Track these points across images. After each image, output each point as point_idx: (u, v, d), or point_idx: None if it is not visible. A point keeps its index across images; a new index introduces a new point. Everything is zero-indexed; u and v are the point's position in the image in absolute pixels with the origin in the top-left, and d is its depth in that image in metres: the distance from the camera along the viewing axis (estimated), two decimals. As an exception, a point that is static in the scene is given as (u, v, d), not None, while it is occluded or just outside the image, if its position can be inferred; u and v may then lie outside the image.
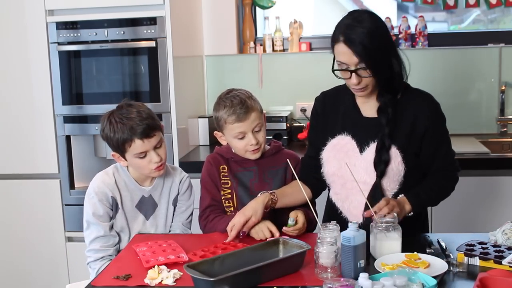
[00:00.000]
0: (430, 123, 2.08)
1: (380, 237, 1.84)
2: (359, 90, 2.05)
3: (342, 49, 1.99)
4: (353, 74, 2.00)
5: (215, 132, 2.26)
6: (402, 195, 2.05)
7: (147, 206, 2.27)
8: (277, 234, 2.05)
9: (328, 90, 2.26)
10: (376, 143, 2.07)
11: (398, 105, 2.08)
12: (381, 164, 2.06)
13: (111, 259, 2.13)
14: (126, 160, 2.20)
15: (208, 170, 2.27)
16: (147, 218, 2.28)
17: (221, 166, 2.26)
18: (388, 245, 1.83)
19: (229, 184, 2.24)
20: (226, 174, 2.25)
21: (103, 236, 2.20)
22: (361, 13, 2.05)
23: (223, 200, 2.25)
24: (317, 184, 2.23)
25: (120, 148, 2.17)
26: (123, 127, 2.14)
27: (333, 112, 2.19)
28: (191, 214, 2.35)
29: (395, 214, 1.88)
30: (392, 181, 2.08)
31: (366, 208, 1.93)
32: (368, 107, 2.13)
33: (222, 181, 2.25)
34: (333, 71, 2.05)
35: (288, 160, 2.11)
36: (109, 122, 2.17)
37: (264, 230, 2.07)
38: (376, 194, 2.06)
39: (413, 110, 2.08)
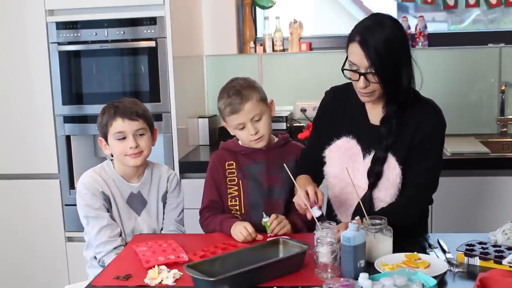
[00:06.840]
0: (426, 134, 2.04)
1: (369, 239, 1.79)
2: (364, 95, 2.02)
3: (355, 49, 1.96)
4: (362, 77, 1.96)
5: (223, 122, 2.25)
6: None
7: (136, 202, 2.27)
8: (253, 232, 2.02)
9: (339, 85, 2.20)
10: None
11: (403, 117, 2.04)
12: (373, 176, 2.06)
13: (121, 249, 2.10)
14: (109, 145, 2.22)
15: (212, 170, 2.26)
16: (139, 214, 2.27)
17: (227, 163, 2.23)
18: (379, 247, 1.80)
19: (236, 181, 2.21)
20: (233, 170, 2.22)
21: (107, 225, 2.16)
22: (384, 18, 1.99)
23: (229, 199, 2.21)
24: (317, 176, 2.18)
25: (104, 130, 2.19)
26: (111, 107, 2.19)
27: (341, 109, 2.16)
28: (182, 211, 2.35)
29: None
30: (389, 192, 2.06)
31: (361, 214, 1.88)
32: (375, 114, 2.11)
33: (228, 178, 2.22)
34: (343, 70, 2.01)
35: (284, 165, 2.03)
36: (104, 108, 2.22)
37: (242, 231, 2.03)
38: (366, 203, 2.02)
39: (416, 121, 2.04)
